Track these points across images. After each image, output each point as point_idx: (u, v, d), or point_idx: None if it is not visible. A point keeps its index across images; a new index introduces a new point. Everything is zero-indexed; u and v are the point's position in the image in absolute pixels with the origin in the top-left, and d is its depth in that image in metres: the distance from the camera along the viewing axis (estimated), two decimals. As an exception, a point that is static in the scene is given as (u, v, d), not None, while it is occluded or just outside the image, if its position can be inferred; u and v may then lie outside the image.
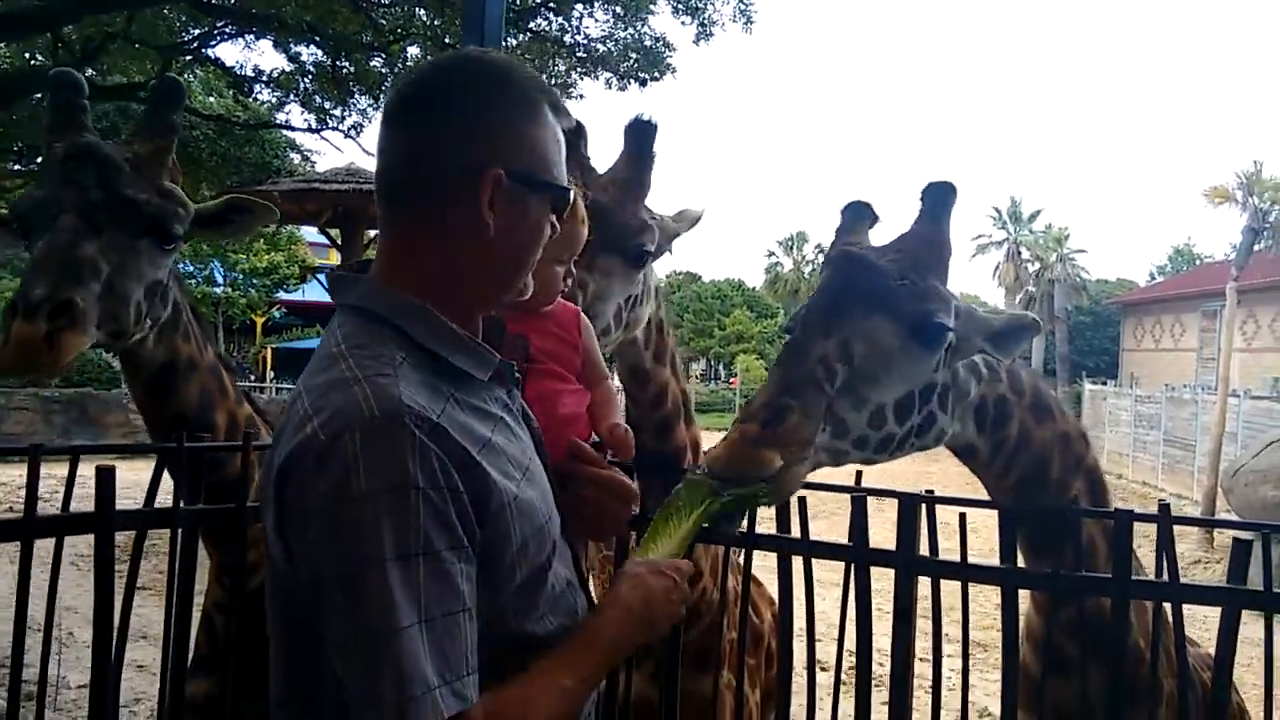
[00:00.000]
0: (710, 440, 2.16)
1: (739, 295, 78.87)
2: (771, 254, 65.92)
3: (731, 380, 60.27)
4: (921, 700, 2.37)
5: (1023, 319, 2.06)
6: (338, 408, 1.20)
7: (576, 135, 2.42)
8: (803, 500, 2.48)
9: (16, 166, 14.76)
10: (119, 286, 2.19)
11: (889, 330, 1.90)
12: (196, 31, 11.50)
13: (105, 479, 2.22)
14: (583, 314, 2.05)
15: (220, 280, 29.79)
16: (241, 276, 29.72)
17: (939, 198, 2.05)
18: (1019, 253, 47.83)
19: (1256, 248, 23.02)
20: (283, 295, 31.80)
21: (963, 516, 2.31)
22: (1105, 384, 32.61)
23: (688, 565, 1.58)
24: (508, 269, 1.42)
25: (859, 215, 2.18)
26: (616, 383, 2.38)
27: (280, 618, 1.30)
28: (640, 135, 2.43)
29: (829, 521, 3.72)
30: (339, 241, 14.22)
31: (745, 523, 2.49)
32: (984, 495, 2.40)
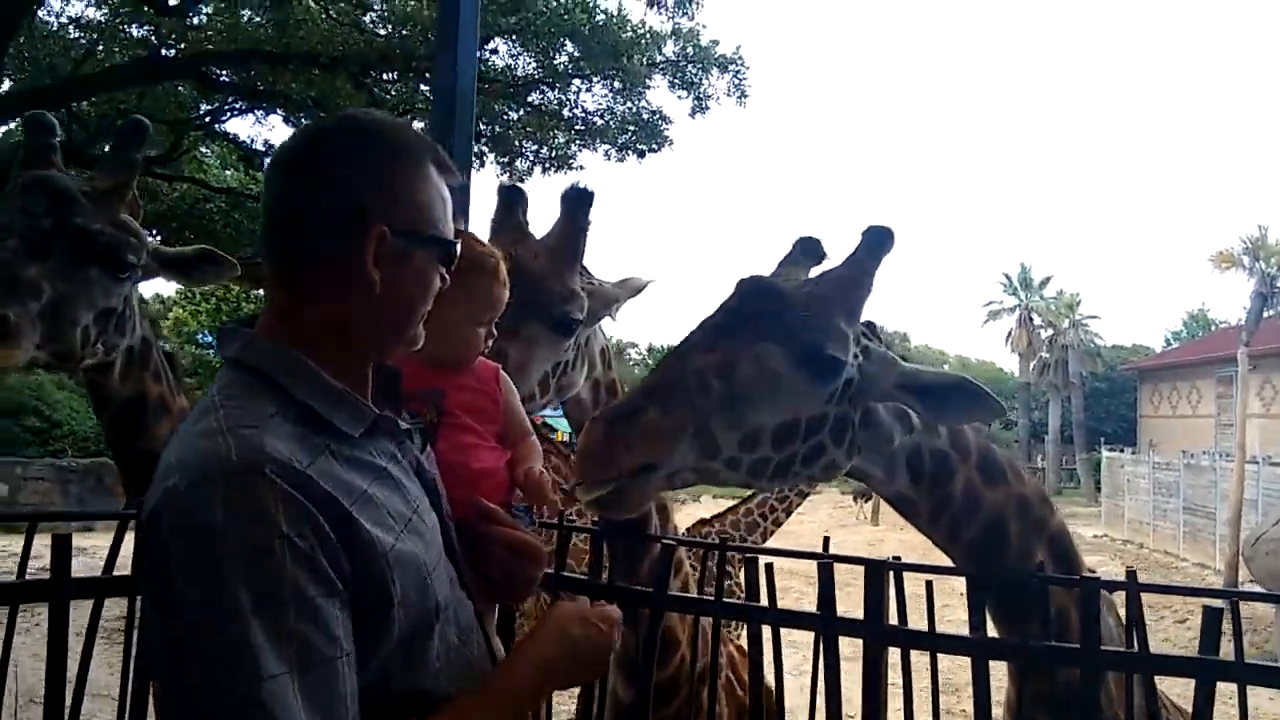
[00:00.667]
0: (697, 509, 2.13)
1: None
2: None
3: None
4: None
5: (960, 382, 1.99)
6: (200, 458, 1.19)
7: (515, 201, 2.47)
8: (769, 567, 2.45)
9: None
10: (64, 310, 2.26)
11: (777, 355, 1.89)
12: (207, 107, 11.84)
13: (60, 547, 2.22)
14: (502, 370, 2.05)
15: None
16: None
17: (874, 241, 2.05)
18: (1031, 319, 47.76)
19: (1267, 313, 22.93)
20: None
21: (929, 584, 2.26)
22: (1123, 451, 32.26)
23: (617, 613, 1.56)
24: (396, 323, 1.45)
25: (807, 251, 2.20)
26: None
27: (156, 676, 1.30)
28: (575, 203, 2.45)
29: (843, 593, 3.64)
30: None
31: (713, 591, 2.47)
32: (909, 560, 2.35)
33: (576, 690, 3.09)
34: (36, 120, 2.50)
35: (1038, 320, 47.84)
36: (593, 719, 2.58)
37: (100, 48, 10.14)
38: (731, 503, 7.43)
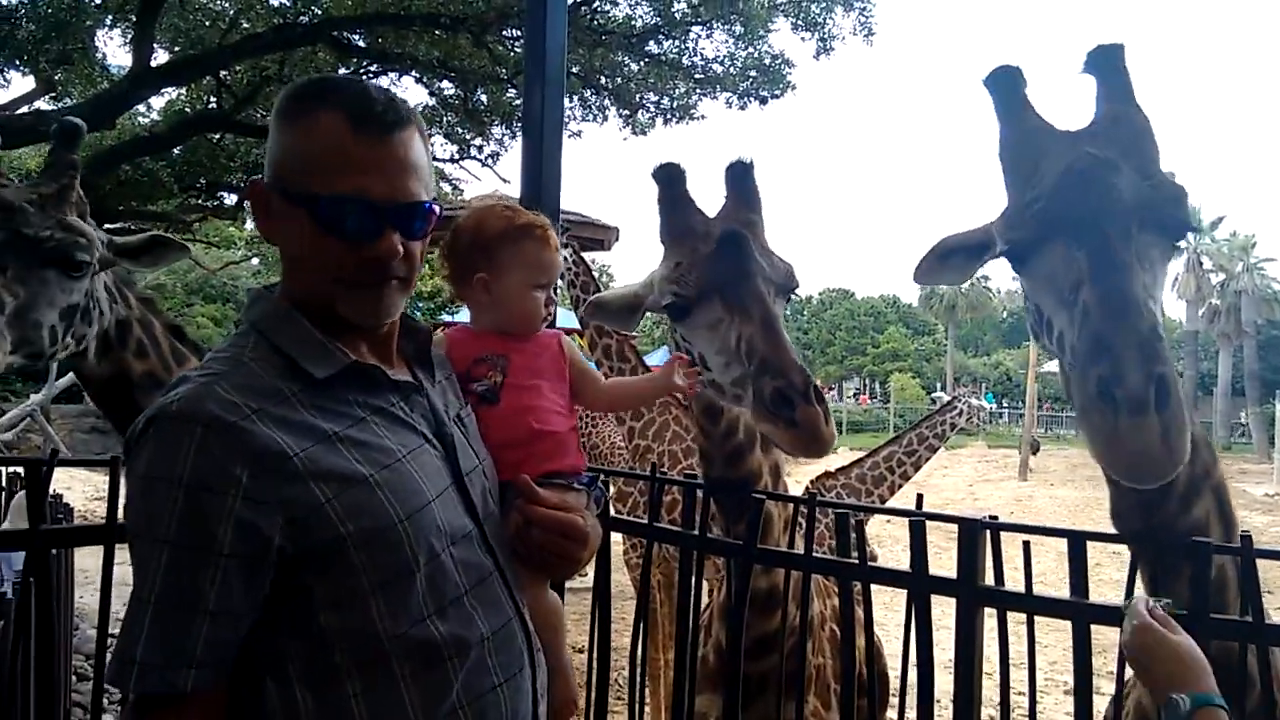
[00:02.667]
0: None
1: (893, 312, 76.96)
2: (927, 269, 63.42)
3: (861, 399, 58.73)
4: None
5: None
6: (159, 402, 1.32)
7: (677, 178, 2.39)
8: (860, 523, 2.38)
9: (199, 201, 16.01)
10: (29, 314, 2.41)
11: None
12: (344, 72, 12.28)
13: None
14: (564, 337, 2.07)
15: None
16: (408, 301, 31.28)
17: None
18: (1200, 263, 44.51)
19: None
20: (445, 317, 33.18)
21: (1026, 545, 2.15)
22: (1301, 403, 29.83)
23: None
24: (299, 281, 1.48)
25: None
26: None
27: None
28: (739, 176, 2.40)
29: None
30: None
31: (803, 546, 2.42)
32: (1054, 519, 2.22)
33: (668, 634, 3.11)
34: (67, 128, 2.64)
35: (1208, 264, 44.61)
36: (689, 663, 2.59)
37: (243, 17, 10.65)
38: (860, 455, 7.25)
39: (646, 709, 4.96)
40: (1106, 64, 1.89)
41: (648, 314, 2.50)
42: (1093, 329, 1.63)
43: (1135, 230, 1.72)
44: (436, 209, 1.47)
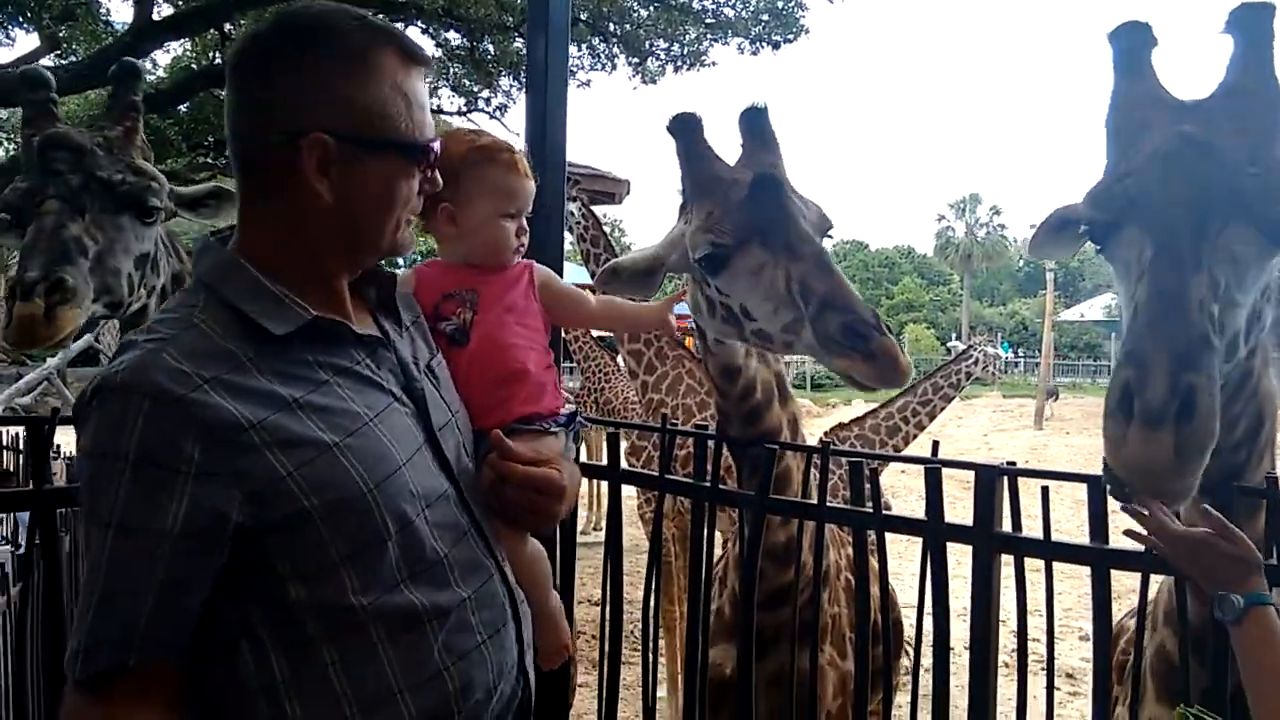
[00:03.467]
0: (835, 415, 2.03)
1: (908, 262, 76.46)
2: (942, 218, 63.12)
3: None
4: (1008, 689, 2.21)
5: None
6: (103, 371, 1.25)
7: (695, 127, 2.30)
8: (874, 472, 2.35)
9: (207, 159, 15.92)
10: (108, 261, 2.32)
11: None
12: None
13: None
14: (535, 265, 2.00)
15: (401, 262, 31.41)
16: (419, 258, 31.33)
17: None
18: None
19: None
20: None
21: (1044, 490, 2.11)
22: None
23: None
24: (360, 232, 1.39)
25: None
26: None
27: None
28: (755, 121, 2.31)
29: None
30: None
31: (816, 496, 2.39)
32: (1069, 468, 2.18)
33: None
34: (32, 76, 2.53)
35: None
36: (703, 614, 2.58)
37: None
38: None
39: (661, 660, 5.01)
40: (1251, 26, 1.69)
41: (666, 275, 2.41)
42: (1133, 329, 1.53)
43: (1218, 224, 1.58)
44: None
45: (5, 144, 17.30)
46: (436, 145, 1.42)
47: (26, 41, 12.12)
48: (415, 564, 1.35)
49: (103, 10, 11.65)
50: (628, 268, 2.42)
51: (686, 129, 2.29)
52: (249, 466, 1.22)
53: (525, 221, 1.94)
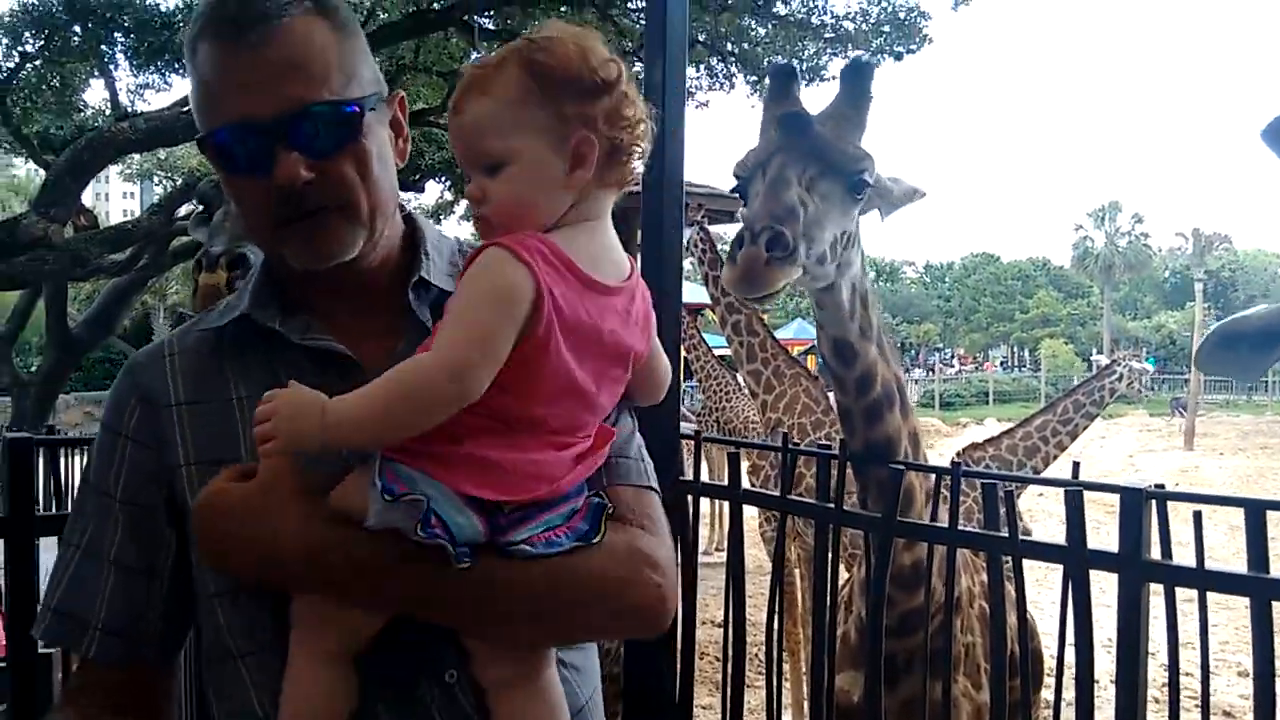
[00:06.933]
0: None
1: (1043, 275, 73.41)
2: (1080, 227, 60.38)
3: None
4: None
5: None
6: None
7: (789, 79, 2.41)
8: (1009, 494, 2.24)
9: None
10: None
11: None
12: (476, 56, 12.51)
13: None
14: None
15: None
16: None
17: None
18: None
19: None
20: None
21: (1197, 515, 1.97)
22: None
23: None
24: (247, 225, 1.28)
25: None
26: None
27: None
28: (857, 75, 2.36)
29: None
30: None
31: (948, 519, 2.30)
32: (1224, 491, 2.03)
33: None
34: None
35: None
36: (828, 639, 2.52)
37: (379, 7, 10.97)
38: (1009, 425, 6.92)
39: (786, 685, 4.92)
40: None
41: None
42: None
43: None
44: (357, 108, 1.16)
45: (165, 182, 18.61)
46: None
47: (182, 86, 13.06)
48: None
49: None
50: None
51: (775, 76, 2.47)
52: (164, 440, 1.27)
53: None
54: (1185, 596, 2.02)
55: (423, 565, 1.04)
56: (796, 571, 5.95)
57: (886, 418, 2.42)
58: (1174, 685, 2.06)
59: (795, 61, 11.04)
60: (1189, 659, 2.12)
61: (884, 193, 2.47)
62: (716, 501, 8.40)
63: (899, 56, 11.16)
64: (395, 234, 1.28)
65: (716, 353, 9.25)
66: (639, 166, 1.19)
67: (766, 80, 2.43)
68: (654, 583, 1.16)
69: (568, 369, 1.10)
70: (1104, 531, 2.28)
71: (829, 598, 2.54)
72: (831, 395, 2.63)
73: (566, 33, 1.16)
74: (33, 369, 14.95)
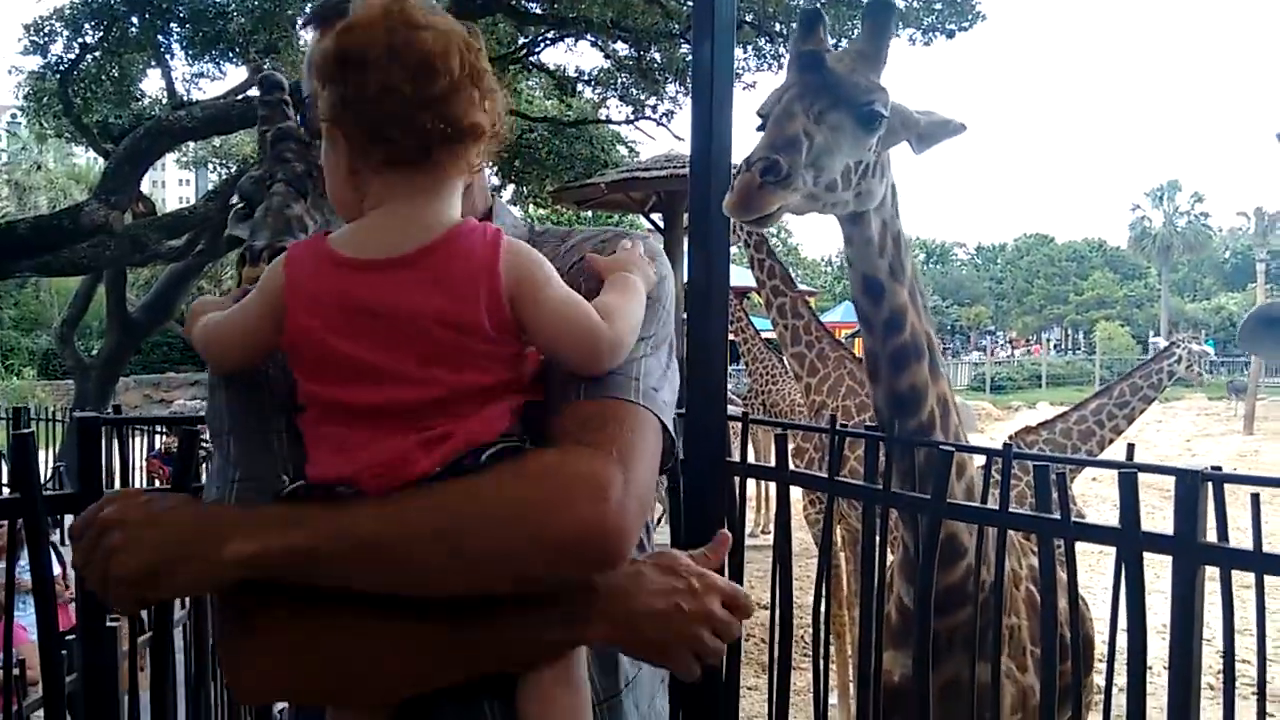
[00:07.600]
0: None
1: (1098, 256, 71.86)
2: (1137, 207, 58.94)
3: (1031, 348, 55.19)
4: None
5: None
6: None
7: (814, 22, 2.40)
8: (1061, 476, 2.22)
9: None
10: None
11: None
12: (523, 41, 12.54)
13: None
14: None
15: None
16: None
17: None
18: None
19: None
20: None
21: (1255, 497, 1.93)
22: None
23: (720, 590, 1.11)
24: None
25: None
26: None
27: None
28: (879, 11, 2.39)
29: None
30: (661, 226, 14.64)
31: (998, 500, 2.29)
32: (1287, 474, 1.99)
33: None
34: (270, 80, 2.78)
35: None
36: (876, 621, 2.52)
37: (427, -6, 11.02)
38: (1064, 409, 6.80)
39: (832, 667, 4.92)
40: None
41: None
42: None
43: None
44: None
45: (220, 169, 18.96)
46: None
47: (235, 75, 13.29)
48: None
49: (302, 44, 12.59)
50: None
51: (802, 21, 2.47)
52: None
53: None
54: (1242, 581, 1.99)
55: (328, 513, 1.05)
56: (841, 555, 5.93)
57: (914, 368, 2.41)
58: (1229, 672, 2.04)
59: (844, 41, 10.93)
60: (1245, 645, 2.08)
61: (910, 124, 2.46)
62: (761, 484, 8.39)
63: (951, 34, 10.97)
64: (475, 213, 1.36)
65: (763, 336, 9.22)
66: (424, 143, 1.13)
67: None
68: (588, 506, 1.03)
69: (337, 348, 1.11)
70: (1159, 517, 2.25)
71: (877, 580, 2.54)
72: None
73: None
74: (94, 352, 15.37)
